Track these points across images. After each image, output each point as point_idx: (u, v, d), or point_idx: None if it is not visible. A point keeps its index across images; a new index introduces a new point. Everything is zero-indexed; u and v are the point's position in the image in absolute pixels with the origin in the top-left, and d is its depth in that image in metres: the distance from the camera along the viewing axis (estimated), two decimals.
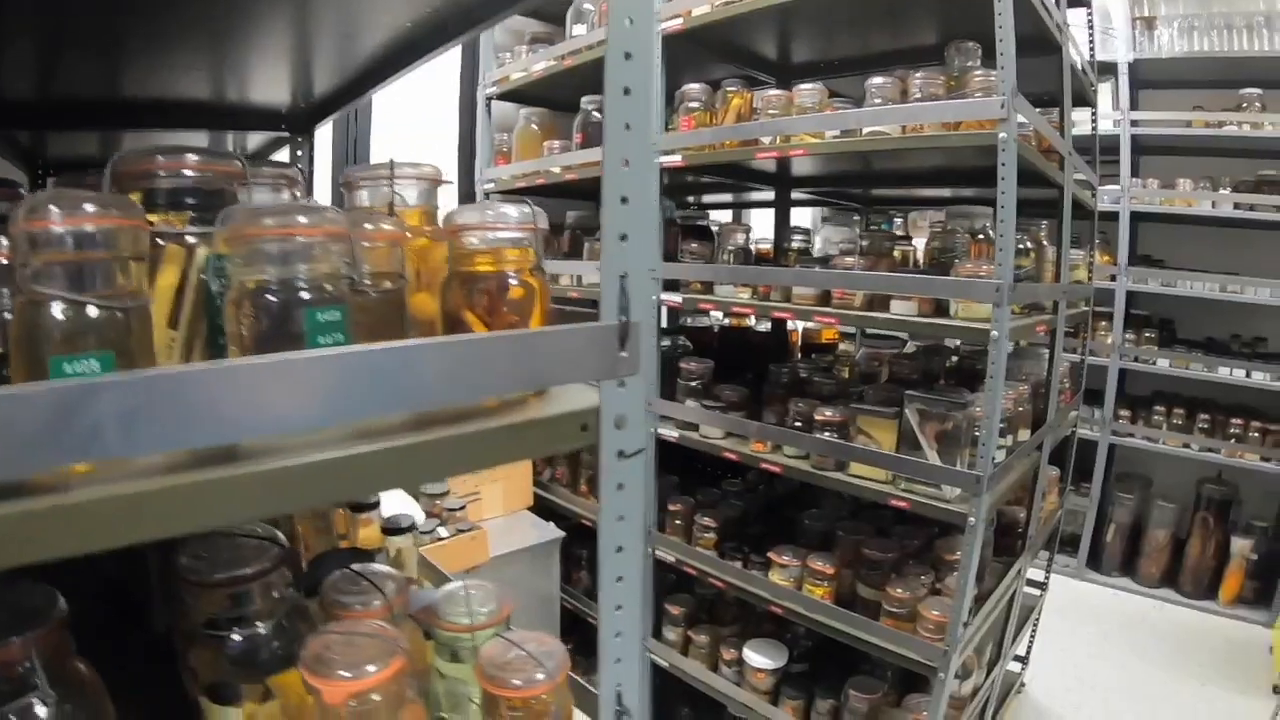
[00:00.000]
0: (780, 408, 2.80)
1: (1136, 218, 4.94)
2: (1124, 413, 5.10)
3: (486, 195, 3.85)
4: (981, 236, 2.67)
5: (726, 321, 4.12)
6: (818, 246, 3.57)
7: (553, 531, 3.48)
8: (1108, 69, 4.90)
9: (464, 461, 1.05)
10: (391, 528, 1.85)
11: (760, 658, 2.97)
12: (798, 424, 2.70)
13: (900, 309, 2.48)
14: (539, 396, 1.18)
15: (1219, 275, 4.76)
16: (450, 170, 4.01)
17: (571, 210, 3.76)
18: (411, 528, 1.85)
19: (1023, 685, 4.00)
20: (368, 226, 1.25)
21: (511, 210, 1.26)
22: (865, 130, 2.49)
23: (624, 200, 1.12)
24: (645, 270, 1.15)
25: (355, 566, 1.47)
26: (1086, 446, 4.96)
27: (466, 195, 3.93)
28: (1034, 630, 3.91)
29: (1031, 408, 2.89)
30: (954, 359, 3.14)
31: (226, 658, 1.24)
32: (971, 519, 2.30)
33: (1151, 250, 5.22)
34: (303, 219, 1.04)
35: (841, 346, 3.21)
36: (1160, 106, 5.01)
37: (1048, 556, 3.88)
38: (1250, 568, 4.73)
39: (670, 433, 3.09)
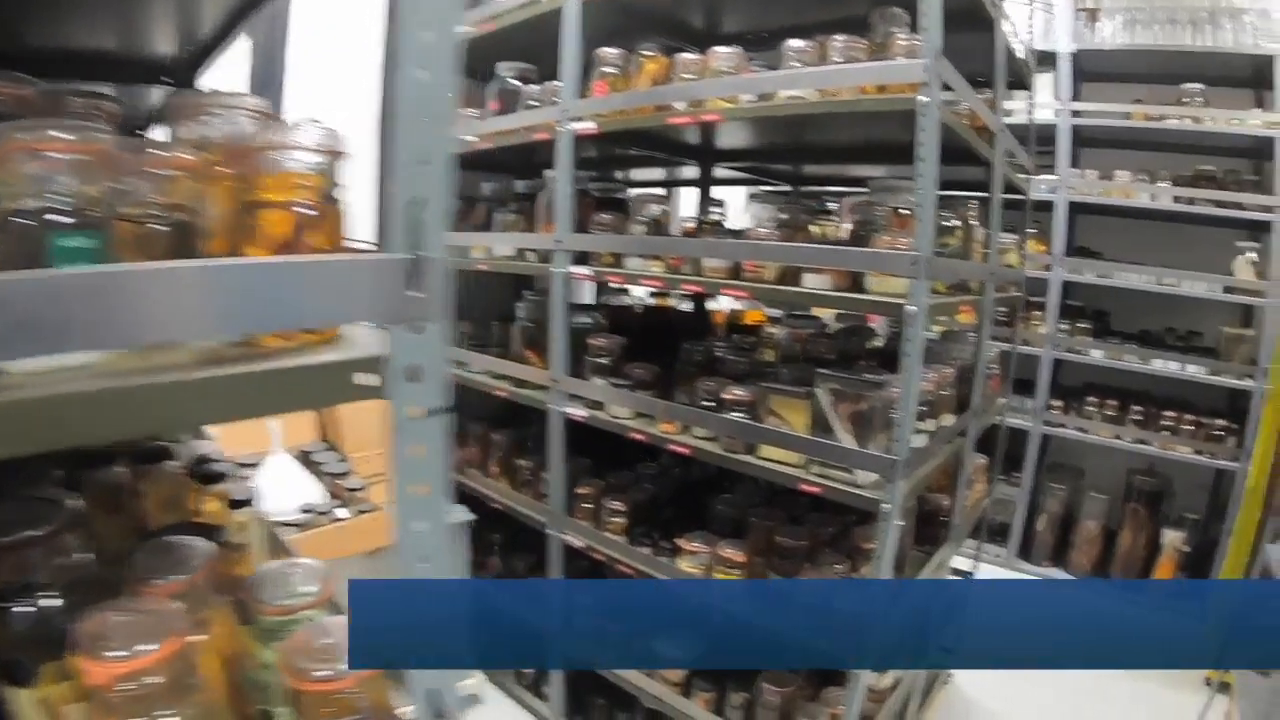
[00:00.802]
0: (692, 387, 2.60)
1: (1074, 209, 4.80)
2: (1056, 403, 4.96)
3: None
4: (906, 211, 2.48)
5: (653, 302, 3.92)
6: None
7: (460, 514, 3.26)
8: (1049, 59, 4.75)
9: (198, 410, 0.84)
10: (235, 501, 1.66)
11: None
12: (708, 404, 2.51)
13: (813, 283, 2.29)
14: (331, 342, 0.98)
15: (1155, 268, 4.63)
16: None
17: (487, 182, 3.54)
18: (248, 501, 1.65)
19: (949, 676, 3.85)
20: (152, 153, 1.06)
21: (305, 131, 1.06)
22: (783, 96, 2.30)
23: (422, 106, 0.91)
24: (441, 200, 0.94)
25: (167, 540, 1.28)
26: (1018, 436, 4.85)
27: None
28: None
29: (956, 393, 2.72)
30: (877, 341, 2.96)
31: (13, 632, 1.10)
32: (886, 506, 2.12)
33: (1088, 242, 5.09)
34: (57, 136, 0.90)
35: (769, 329, 3.01)
36: (1101, 99, 4.87)
37: (975, 545, 3.73)
38: (1181, 559, 4.63)
39: (579, 411, 2.88)
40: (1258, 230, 4.49)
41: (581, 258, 2.85)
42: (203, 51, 2.05)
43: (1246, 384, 4.42)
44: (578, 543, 3.00)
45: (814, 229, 2.53)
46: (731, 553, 2.53)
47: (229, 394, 0.83)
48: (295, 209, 1.00)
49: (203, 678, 1.05)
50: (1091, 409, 4.86)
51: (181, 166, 1.04)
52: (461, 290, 3.92)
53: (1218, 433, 4.53)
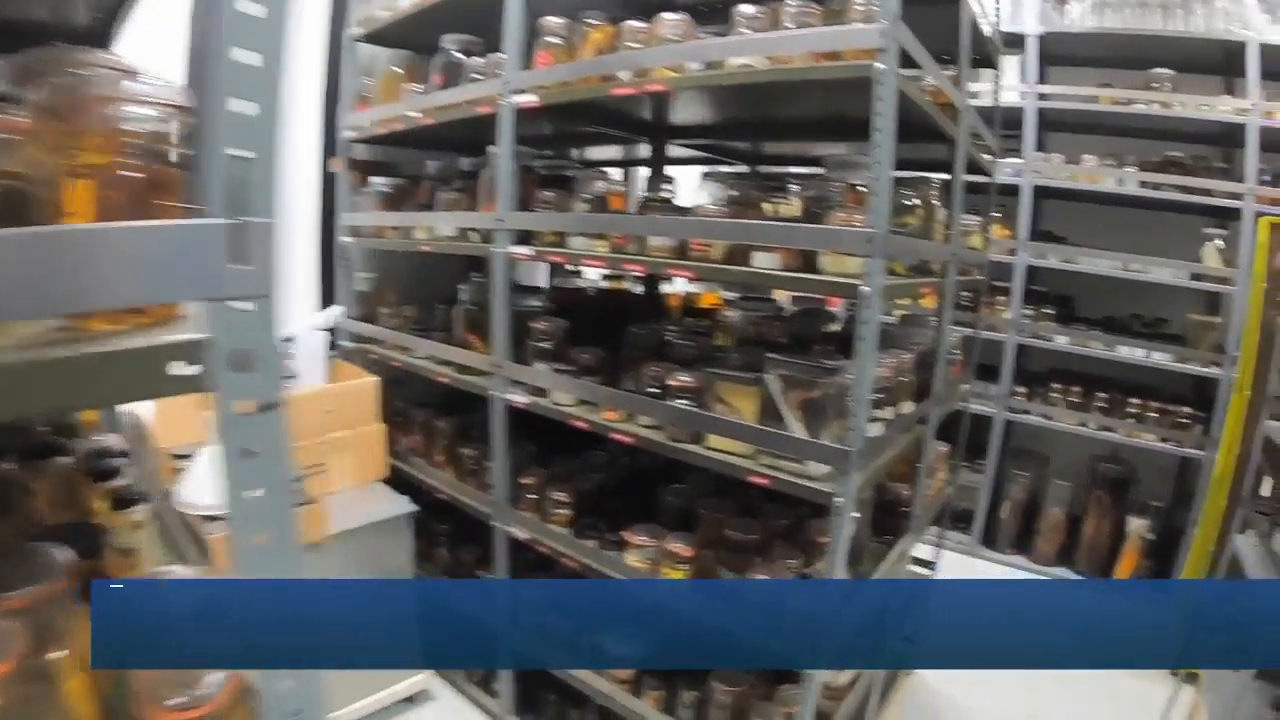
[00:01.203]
0: (639, 373, 2.44)
1: (1040, 193, 4.68)
2: (1020, 389, 4.84)
3: (349, 144, 3.43)
4: (863, 188, 2.33)
5: (607, 285, 3.76)
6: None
7: (404, 505, 3.10)
8: (1016, 41, 4.62)
9: None
10: (122, 499, 1.50)
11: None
12: (654, 391, 2.35)
13: (763, 262, 2.14)
14: (166, 324, 0.81)
15: (1121, 254, 4.53)
16: (315, 118, 3.58)
17: (433, 160, 3.36)
18: (136, 499, 1.48)
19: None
20: None
21: (144, 85, 0.89)
22: (732, 64, 2.13)
23: (246, 33, 0.75)
24: (270, 154, 0.77)
25: (29, 546, 1.14)
26: (981, 422, 4.73)
27: (329, 144, 3.52)
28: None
29: (917, 379, 2.58)
30: (835, 325, 2.81)
31: None
32: (839, 499, 1.98)
33: (1053, 227, 4.97)
34: None
35: (724, 312, 2.85)
36: (1069, 82, 4.75)
37: (938, 533, 3.61)
38: (1146, 547, 4.54)
39: (520, 398, 2.72)
40: (1226, 217, 4.40)
41: (524, 237, 2.69)
42: (110, 15, 1.88)
43: (1213, 371, 4.33)
44: (522, 535, 2.85)
45: (766, 206, 2.37)
46: (679, 547, 2.39)
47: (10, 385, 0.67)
48: (118, 171, 0.83)
49: (58, 699, 0.93)
50: (1056, 395, 4.75)
51: (9, 129, 0.88)
52: (408, 272, 3.81)
53: (1183, 420, 4.44)
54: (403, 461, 3.37)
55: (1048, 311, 4.77)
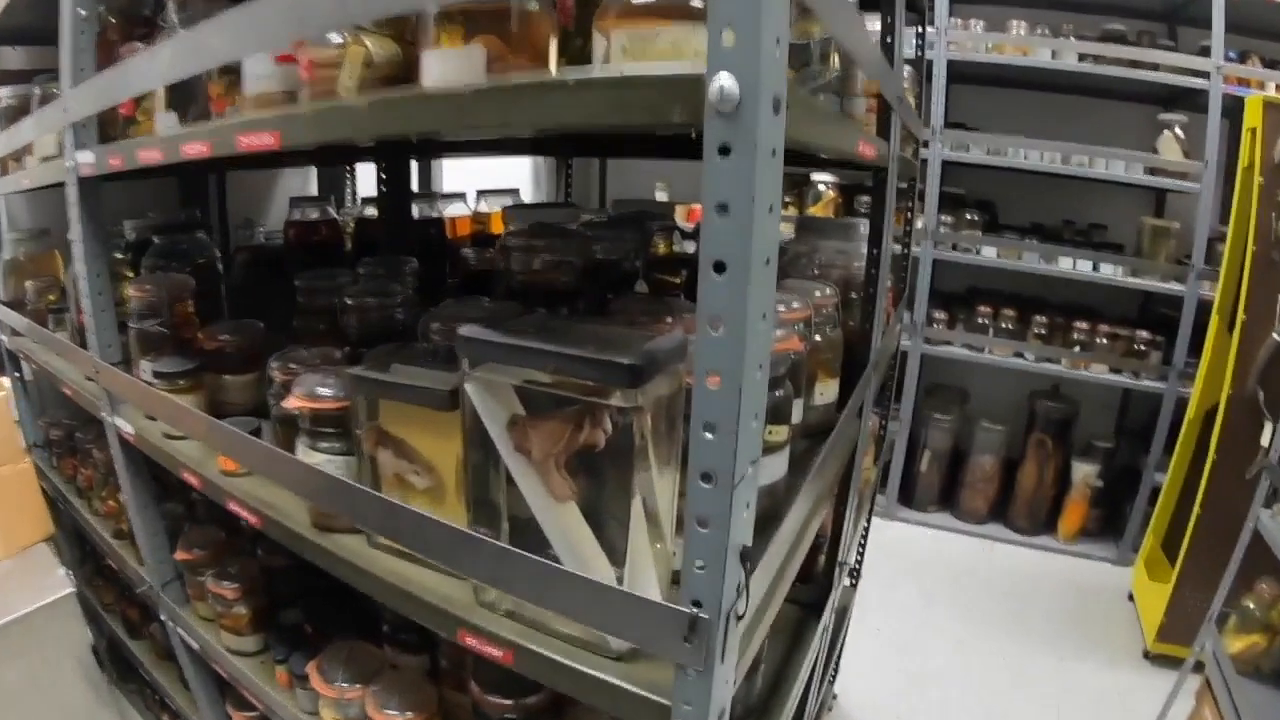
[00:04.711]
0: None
1: (954, 73, 3.34)
2: (940, 314, 3.57)
3: None
4: None
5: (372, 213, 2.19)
6: None
7: (59, 585, 1.69)
8: None
9: None
10: None
11: None
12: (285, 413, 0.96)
13: (450, 70, 0.73)
14: None
15: (1061, 143, 3.26)
16: None
17: None
18: None
19: (834, 698, 2.52)
20: None
21: None
22: None
23: None
24: None
25: None
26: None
27: None
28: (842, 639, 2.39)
29: (841, 335, 1.25)
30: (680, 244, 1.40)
31: None
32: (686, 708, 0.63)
33: (963, 118, 3.59)
34: None
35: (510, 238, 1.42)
36: None
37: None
38: (1094, 496, 3.41)
39: (128, 426, 1.31)
40: (1177, 103, 3.19)
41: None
42: None
43: (1173, 288, 3.14)
44: (193, 644, 1.47)
45: None
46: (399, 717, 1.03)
47: None
48: None
49: None
50: (983, 321, 3.50)
51: None
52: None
53: (1139, 348, 3.25)
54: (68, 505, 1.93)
55: (971, 218, 3.48)
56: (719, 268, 0.52)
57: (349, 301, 1.08)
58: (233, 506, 1.02)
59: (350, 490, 0.78)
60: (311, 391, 0.86)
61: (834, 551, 1.44)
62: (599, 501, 0.66)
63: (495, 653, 0.71)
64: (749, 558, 0.56)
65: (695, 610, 0.56)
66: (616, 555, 0.68)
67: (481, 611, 0.74)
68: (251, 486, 1.04)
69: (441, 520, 0.69)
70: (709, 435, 0.53)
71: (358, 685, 1.13)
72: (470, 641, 0.73)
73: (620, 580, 0.67)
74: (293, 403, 0.86)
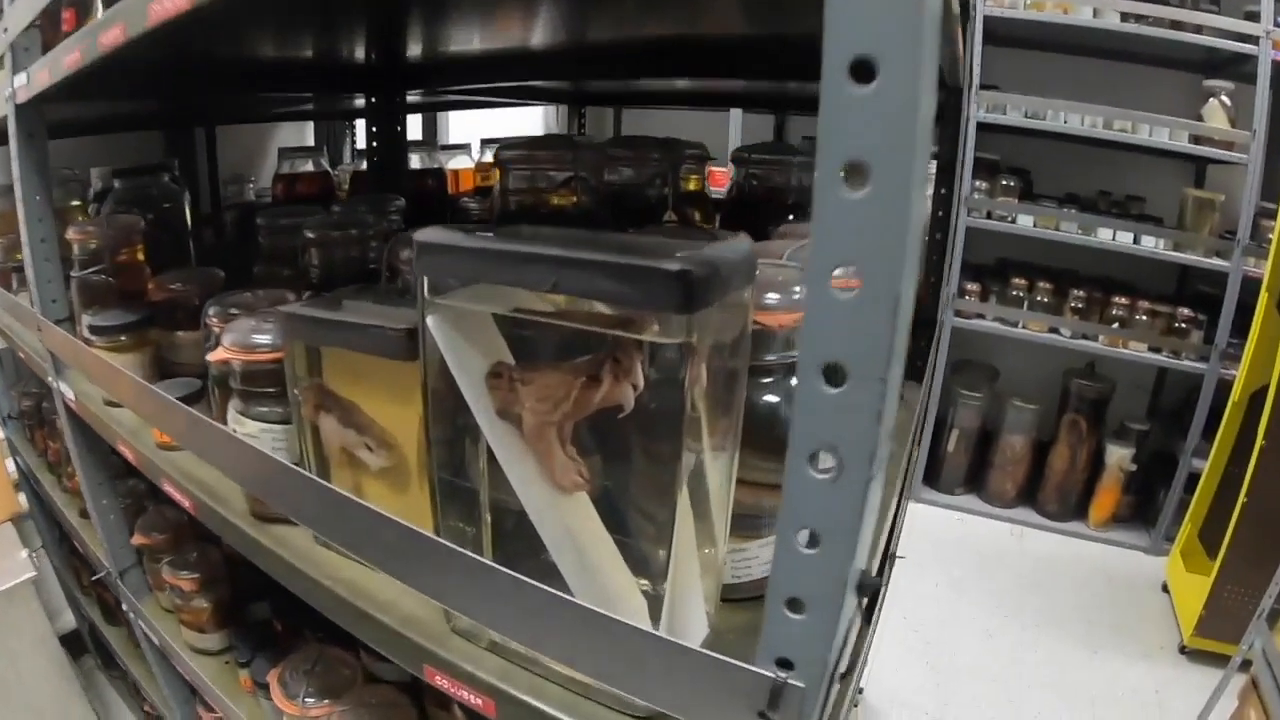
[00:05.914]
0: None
1: (986, 33, 3.05)
2: (972, 286, 3.29)
3: None
4: None
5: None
6: None
7: (20, 569, 1.49)
8: None
9: None
10: None
11: None
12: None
13: None
14: None
15: (1103, 107, 2.98)
16: None
17: None
18: None
19: (860, 693, 2.30)
20: None
21: None
22: None
23: None
24: None
25: None
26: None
27: None
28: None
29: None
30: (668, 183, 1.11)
31: None
32: None
33: (996, 82, 3.25)
34: None
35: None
36: None
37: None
38: (1127, 481, 3.16)
39: (69, 390, 1.10)
40: (1220, 70, 2.91)
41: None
42: None
43: (1216, 263, 2.87)
44: (154, 639, 1.26)
45: None
46: None
47: None
48: None
49: None
50: (1018, 294, 3.23)
51: None
52: None
53: (1181, 325, 2.99)
54: (35, 483, 1.72)
55: (1007, 184, 3.20)
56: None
57: (310, 235, 0.85)
58: (166, 487, 0.80)
59: (282, 471, 0.55)
60: (244, 340, 0.63)
61: (889, 543, 1.21)
62: (623, 492, 0.44)
63: (472, 700, 0.49)
64: (867, 590, 0.34)
65: (782, 675, 0.33)
66: (646, 567, 0.45)
67: (457, 641, 0.52)
68: (189, 464, 0.82)
69: (395, 519, 0.46)
70: (830, 388, 0.30)
71: (325, 701, 0.91)
72: (440, 682, 0.50)
73: (651, 598, 0.45)
74: (219, 354, 0.64)
